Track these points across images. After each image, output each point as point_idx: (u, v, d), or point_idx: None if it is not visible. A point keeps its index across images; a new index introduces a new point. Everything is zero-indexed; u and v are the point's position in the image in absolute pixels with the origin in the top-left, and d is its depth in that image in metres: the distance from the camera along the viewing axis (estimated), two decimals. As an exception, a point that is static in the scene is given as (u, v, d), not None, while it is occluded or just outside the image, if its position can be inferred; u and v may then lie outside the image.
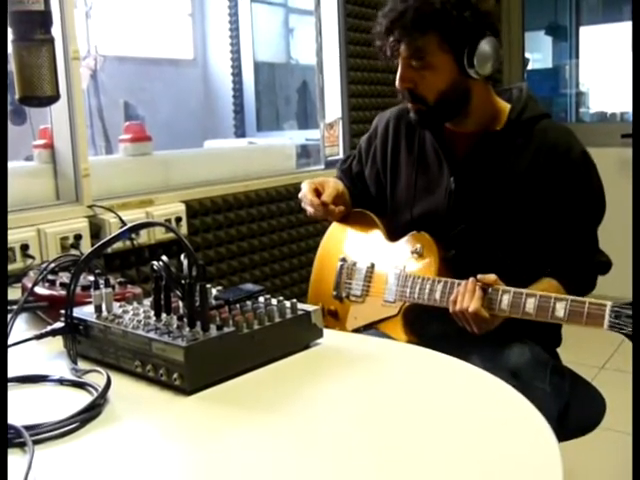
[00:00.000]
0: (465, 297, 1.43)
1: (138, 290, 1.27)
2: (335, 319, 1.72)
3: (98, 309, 1.11)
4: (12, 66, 1.27)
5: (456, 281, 1.48)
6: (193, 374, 0.95)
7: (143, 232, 2.21)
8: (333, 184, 1.73)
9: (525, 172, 1.53)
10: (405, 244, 1.64)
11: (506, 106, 1.60)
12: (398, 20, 1.46)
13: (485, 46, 1.46)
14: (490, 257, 1.56)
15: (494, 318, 1.43)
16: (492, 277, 1.43)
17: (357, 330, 1.66)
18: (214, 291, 1.16)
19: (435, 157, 1.64)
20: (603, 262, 1.60)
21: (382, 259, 1.68)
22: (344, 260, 1.75)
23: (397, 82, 1.53)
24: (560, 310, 1.33)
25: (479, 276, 1.44)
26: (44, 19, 1.24)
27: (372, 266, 1.68)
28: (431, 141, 1.64)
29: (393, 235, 1.70)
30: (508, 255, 1.56)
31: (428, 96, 1.51)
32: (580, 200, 1.54)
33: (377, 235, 1.73)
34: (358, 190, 1.85)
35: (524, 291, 1.40)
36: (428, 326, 1.56)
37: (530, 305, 1.37)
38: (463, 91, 1.52)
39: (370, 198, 1.82)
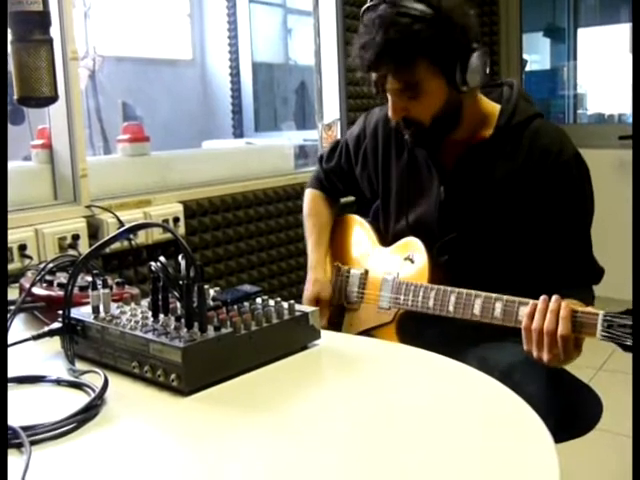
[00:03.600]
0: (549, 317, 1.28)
1: (136, 291, 1.27)
2: (331, 326, 1.71)
3: (96, 310, 1.11)
4: (11, 66, 1.27)
5: (449, 288, 1.46)
6: (191, 375, 0.96)
7: (141, 232, 2.20)
8: (327, 292, 1.70)
9: (516, 177, 1.51)
10: (398, 250, 1.63)
11: (495, 108, 1.56)
12: (382, 54, 1.40)
13: (476, 60, 1.43)
14: (483, 264, 1.55)
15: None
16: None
17: None
18: (212, 292, 1.16)
19: (425, 164, 1.62)
20: (596, 271, 1.57)
21: (376, 265, 1.67)
22: (338, 267, 1.75)
23: (390, 115, 1.51)
24: None
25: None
26: (43, 20, 1.25)
27: (366, 273, 1.68)
28: (421, 149, 1.62)
29: (386, 240, 1.70)
30: (501, 262, 1.55)
31: (423, 120, 1.48)
32: (572, 203, 1.52)
33: (369, 241, 1.73)
34: (349, 190, 1.85)
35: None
36: (423, 332, 1.55)
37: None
38: (456, 106, 1.49)
39: (363, 198, 1.81)
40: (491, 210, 1.54)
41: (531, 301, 1.33)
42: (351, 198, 1.89)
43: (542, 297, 1.31)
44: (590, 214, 1.56)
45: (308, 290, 1.71)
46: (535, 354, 1.30)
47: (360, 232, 1.76)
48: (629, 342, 1.20)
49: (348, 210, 1.86)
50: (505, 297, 1.38)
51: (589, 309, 1.28)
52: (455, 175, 1.57)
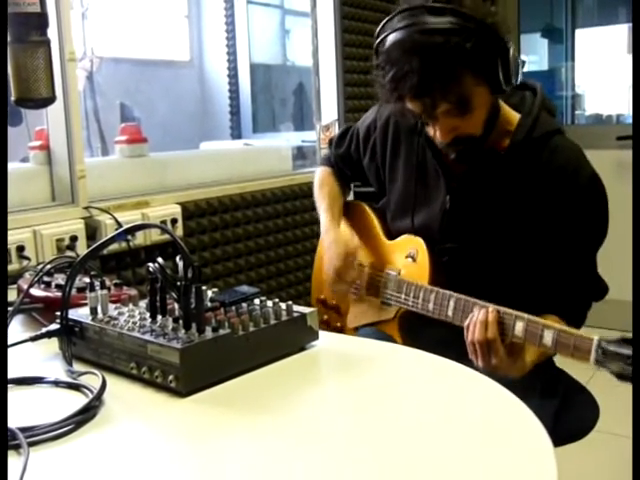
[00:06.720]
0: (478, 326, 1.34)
1: (134, 292, 1.27)
2: (337, 314, 1.72)
3: (94, 311, 1.11)
4: (8, 67, 1.27)
5: (448, 292, 1.45)
6: (188, 376, 0.95)
7: (139, 234, 2.20)
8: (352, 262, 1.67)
9: (526, 194, 1.46)
10: (400, 245, 1.63)
11: (515, 118, 1.49)
12: (425, 79, 1.30)
13: (512, 55, 1.35)
14: (483, 273, 1.51)
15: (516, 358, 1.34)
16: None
17: (357, 328, 1.67)
18: (210, 293, 1.16)
19: (434, 170, 1.57)
20: (600, 289, 1.54)
21: (379, 259, 1.67)
22: None
23: (439, 138, 1.42)
24: (548, 338, 1.26)
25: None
26: (40, 21, 1.24)
27: (371, 266, 1.68)
28: (431, 153, 1.57)
29: (390, 233, 1.69)
30: (501, 273, 1.50)
31: (475, 132, 1.42)
32: (583, 224, 1.46)
33: (374, 232, 1.72)
34: (358, 178, 1.83)
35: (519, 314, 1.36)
36: (423, 332, 1.54)
37: (519, 328, 1.32)
38: (495, 108, 1.45)
39: (370, 185, 1.79)
40: (495, 224, 1.49)
41: (526, 316, 1.31)
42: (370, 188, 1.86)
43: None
44: (601, 236, 1.50)
45: (337, 253, 1.65)
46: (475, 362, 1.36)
47: (364, 222, 1.76)
48: (625, 371, 1.17)
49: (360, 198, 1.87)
50: (502, 309, 1.35)
51: (581, 333, 1.24)
52: (463, 185, 1.53)
